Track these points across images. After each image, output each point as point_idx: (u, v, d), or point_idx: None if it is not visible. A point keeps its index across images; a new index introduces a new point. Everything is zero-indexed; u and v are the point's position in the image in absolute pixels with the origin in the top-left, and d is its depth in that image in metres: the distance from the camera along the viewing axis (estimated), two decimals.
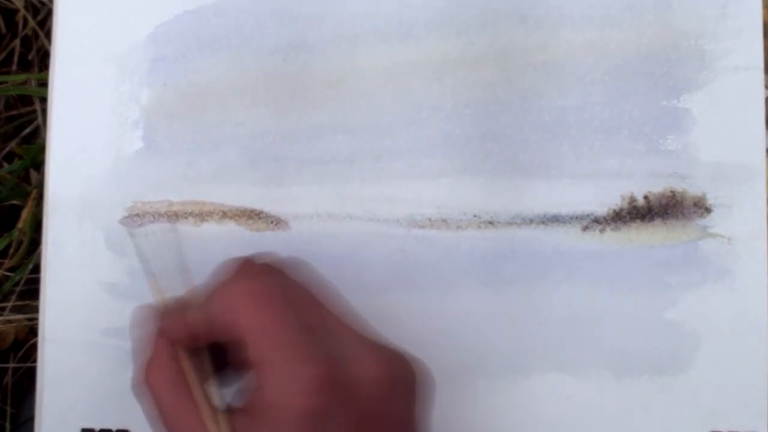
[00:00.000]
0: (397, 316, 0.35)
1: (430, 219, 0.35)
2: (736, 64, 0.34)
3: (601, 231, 0.34)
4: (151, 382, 0.25)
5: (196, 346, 0.26)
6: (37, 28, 0.45)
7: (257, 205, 0.35)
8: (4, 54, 0.46)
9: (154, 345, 0.26)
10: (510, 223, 0.35)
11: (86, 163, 0.36)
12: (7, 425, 0.42)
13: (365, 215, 0.35)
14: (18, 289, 0.43)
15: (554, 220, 0.35)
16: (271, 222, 0.35)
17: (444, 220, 0.35)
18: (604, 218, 0.34)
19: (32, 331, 0.44)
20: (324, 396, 0.23)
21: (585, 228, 0.34)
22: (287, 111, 0.35)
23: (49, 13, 0.44)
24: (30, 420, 0.37)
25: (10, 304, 0.43)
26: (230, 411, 0.25)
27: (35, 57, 0.46)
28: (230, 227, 0.35)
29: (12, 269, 0.43)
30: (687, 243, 0.34)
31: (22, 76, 0.45)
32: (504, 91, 0.35)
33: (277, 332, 0.24)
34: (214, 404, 0.25)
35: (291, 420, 0.23)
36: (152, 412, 0.25)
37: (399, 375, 0.25)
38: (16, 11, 0.46)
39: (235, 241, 0.35)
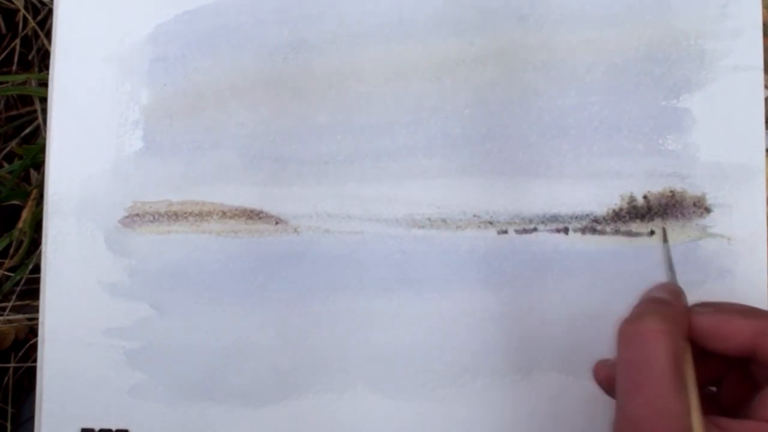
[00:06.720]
0: (397, 316, 0.35)
1: (429, 219, 0.35)
2: (736, 64, 0.34)
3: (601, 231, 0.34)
4: (657, 330, 0.25)
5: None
6: (37, 28, 0.45)
7: (257, 205, 0.35)
8: (4, 54, 0.46)
9: (673, 311, 0.26)
10: (510, 223, 0.35)
11: (86, 163, 0.36)
12: (8, 425, 0.42)
13: (365, 215, 0.35)
14: (18, 289, 0.43)
15: (554, 220, 0.34)
16: (271, 222, 0.35)
17: (443, 220, 0.35)
18: (604, 218, 0.34)
19: (32, 331, 0.44)
20: None
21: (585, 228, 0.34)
22: (287, 111, 0.35)
23: (49, 13, 0.44)
24: (30, 420, 0.37)
25: (10, 304, 0.43)
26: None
27: (35, 57, 0.46)
28: (230, 227, 0.35)
29: (12, 269, 0.43)
30: (687, 243, 0.34)
31: (22, 76, 0.45)
32: (504, 91, 0.35)
33: None
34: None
35: None
36: (636, 362, 0.25)
37: None
38: (16, 11, 0.46)
39: (234, 242, 0.35)
